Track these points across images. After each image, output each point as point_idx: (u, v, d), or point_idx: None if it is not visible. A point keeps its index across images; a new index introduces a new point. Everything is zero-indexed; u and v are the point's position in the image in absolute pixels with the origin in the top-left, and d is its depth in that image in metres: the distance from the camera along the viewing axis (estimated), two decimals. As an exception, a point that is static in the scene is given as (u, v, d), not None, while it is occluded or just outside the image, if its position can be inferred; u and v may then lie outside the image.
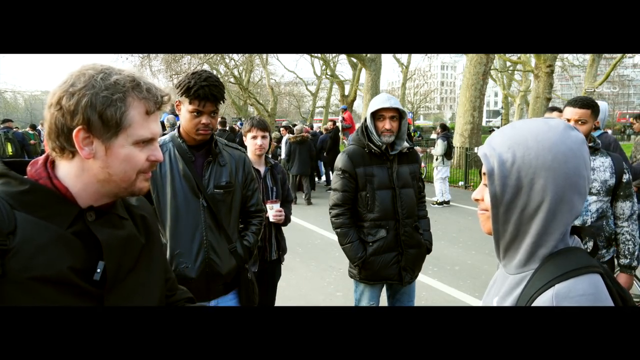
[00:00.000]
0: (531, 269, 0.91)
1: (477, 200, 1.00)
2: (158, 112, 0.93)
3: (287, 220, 3.04)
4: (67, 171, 0.87)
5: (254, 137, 2.93)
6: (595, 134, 3.33)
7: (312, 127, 14.59)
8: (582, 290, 0.81)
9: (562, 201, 0.87)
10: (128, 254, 0.93)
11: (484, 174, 0.94)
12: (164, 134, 2.02)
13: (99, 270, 0.85)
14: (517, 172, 0.87)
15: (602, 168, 2.42)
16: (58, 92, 0.83)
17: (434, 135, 9.79)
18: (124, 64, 20.38)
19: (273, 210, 2.88)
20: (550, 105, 14.21)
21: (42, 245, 0.79)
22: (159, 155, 0.93)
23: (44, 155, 0.90)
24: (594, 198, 2.40)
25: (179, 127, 1.98)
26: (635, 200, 2.48)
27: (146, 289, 0.98)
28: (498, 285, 1.03)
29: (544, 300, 0.83)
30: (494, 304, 1.01)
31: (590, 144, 2.46)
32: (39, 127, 13.82)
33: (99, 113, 0.83)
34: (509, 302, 0.94)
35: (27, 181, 0.84)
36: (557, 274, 0.84)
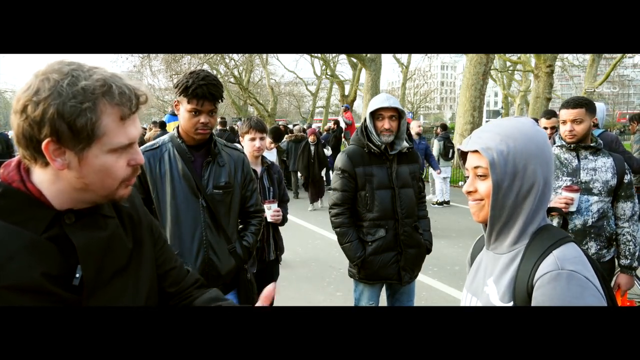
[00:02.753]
0: (523, 244, 1.04)
1: (469, 192, 1.10)
2: (136, 114, 0.86)
3: (284, 220, 3.04)
4: (42, 177, 0.82)
5: (253, 139, 2.92)
6: (596, 132, 3.31)
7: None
8: (573, 254, 0.97)
9: (546, 183, 1.03)
10: (112, 256, 0.89)
11: (477, 167, 1.05)
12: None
13: (77, 275, 0.81)
14: (513, 159, 1.01)
15: (603, 168, 2.41)
16: (22, 99, 0.77)
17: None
18: (124, 64, 20.36)
19: (271, 211, 2.88)
20: (550, 105, 14.21)
21: (13, 253, 0.75)
22: (139, 158, 0.88)
23: (17, 157, 0.85)
24: (595, 198, 2.39)
25: (177, 127, 1.98)
26: (637, 200, 2.47)
27: (134, 290, 0.94)
28: (489, 268, 1.12)
29: (548, 263, 0.96)
30: (489, 285, 1.08)
31: (591, 144, 2.45)
32: None
33: (68, 124, 0.76)
34: (507, 277, 1.04)
35: None
36: (550, 243, 0.99)
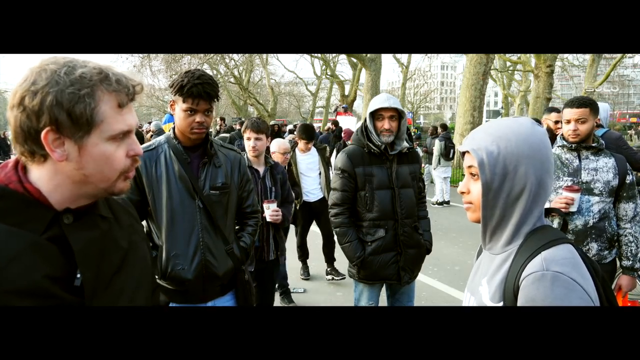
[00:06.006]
0: (516, 245, 1.04)
1: (462, 192, 1.11)
2: (132, 103, 0.87)
3: (286, 221, 3.04)
4: (40, 175, 0.81)
5: (248, 139, 2.95)
6: (599, 132, 3.31)
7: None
8: (563, 255, 0.95)
9: (540, 184, 1.02)
10: (109, 257, 0.88)
11: (470, 167, 1.07)
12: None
13: (79, 276, 0.81)
14: (503, 160, 1.01)
15: (605, 169, 2.40)
16: (19, 91, 0.77)
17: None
18: (124, 64, 20.40)
19: (269, 210, 2.88)
20: (550, 105, 14.20)
21: (14, 255, 0.73)
22: (137, 149, 0.88)
23: (14, 158, 0.84)
24: (597, 199, 2.38)
25: (174, 128, 1.98)
26: (639, 201, 2.46)
27: (132, 291, 0.94)
28: (484, 268, 1.13)
29: (534, 264, 0.95)
30: (483, 285, 1.09)
31: (593, 144, 2.44)
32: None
33: (67, 111, 0.77)
34: (498, 276, 1.04)
35: None
36: (541, 244, 0.98)
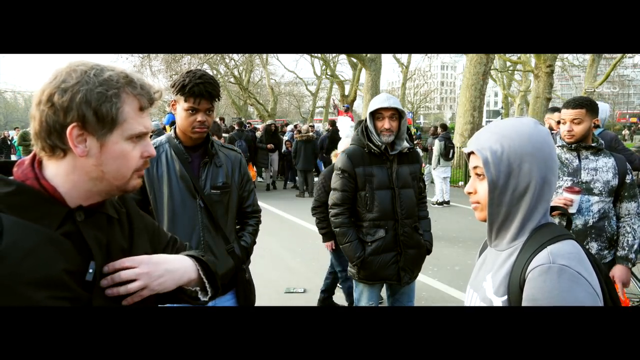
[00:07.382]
0: (521, 241, 1.06)
1: (469, 193, 1.13)
2: (150, 108, 0.92)
3: None
4: (57, 171, 0.85)
5: None
6: (596, 132, 3.31)
7: (313, 127, 14.68)
8: (569, 250, 0.97)
9: (545, 181, 1.04)
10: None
11: (476, 167, 1.09)
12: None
13: (91, 271, 0.84)
14: (507, 159, 1.03)
15: (605, 168, 2.40)
16: (48, 88, 0.81)
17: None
18: (124, 64, 20.41)
19: None
20: (550, 105, 14.20)
21: (31, 249, 0.76)
22: (151, 150, 0.93)
23: (30, 155, 0.88)
24: (597, 198, 2.38)
25: (175, 128, 1.98)
26: None
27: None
28: (489, 264, 1.14)
29: (541, 257, 0.97)
30: (487, 280, 1.11)
31: (592, 144, 2.44)
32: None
33: (94, 109, 0.81)
34: (503, 271, 1.06)
35: (13, 182, 0.81)
36: (546, 239, 1.01)
